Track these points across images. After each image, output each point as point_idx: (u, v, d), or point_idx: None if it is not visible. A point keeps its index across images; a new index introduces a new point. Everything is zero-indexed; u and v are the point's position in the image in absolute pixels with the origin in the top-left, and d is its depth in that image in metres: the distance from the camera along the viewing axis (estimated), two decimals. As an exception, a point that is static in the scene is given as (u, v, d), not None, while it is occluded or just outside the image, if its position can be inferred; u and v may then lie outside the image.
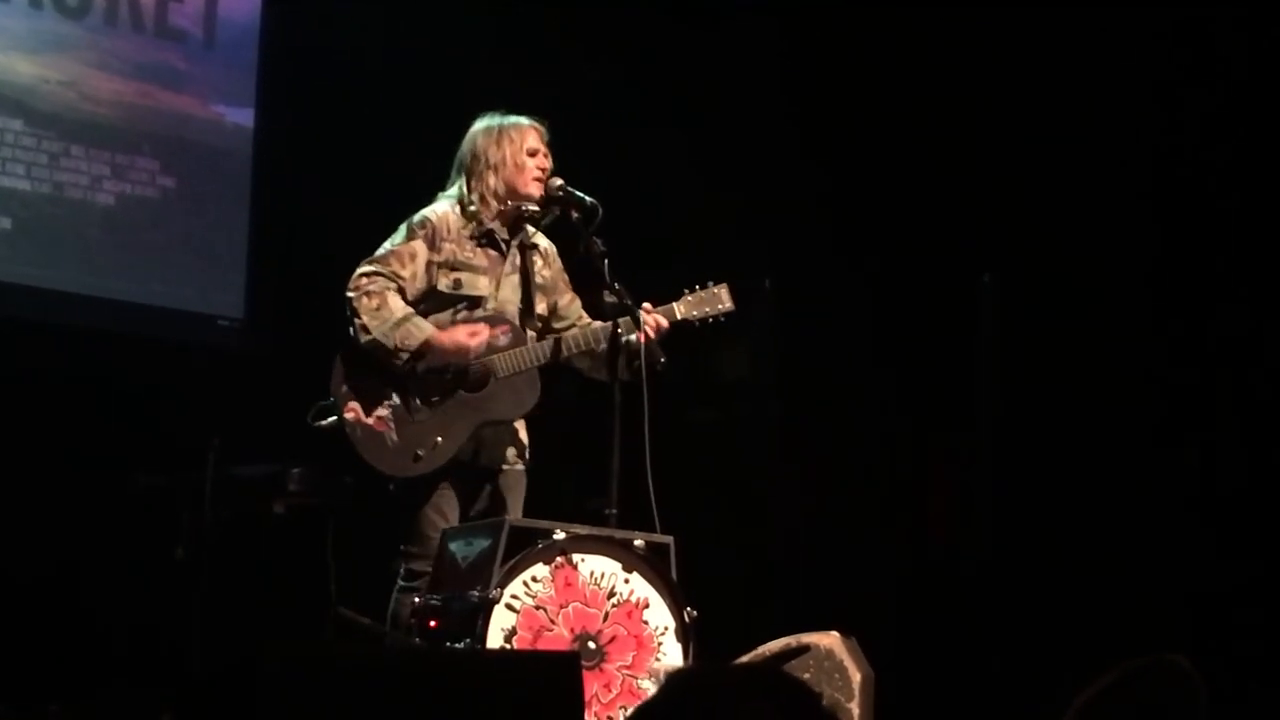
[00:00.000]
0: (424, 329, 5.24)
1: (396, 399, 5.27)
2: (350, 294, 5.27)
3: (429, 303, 5.37)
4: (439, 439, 5.23)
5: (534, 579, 4.74)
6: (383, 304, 5.23)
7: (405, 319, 5.23)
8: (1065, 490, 6.86)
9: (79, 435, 6.74)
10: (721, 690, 2.28)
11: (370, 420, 5.23)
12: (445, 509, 5.32)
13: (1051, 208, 7.01)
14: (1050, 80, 7.07)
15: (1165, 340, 6.77)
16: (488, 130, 5.45)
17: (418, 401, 5.27)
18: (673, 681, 2.35)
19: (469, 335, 5.27)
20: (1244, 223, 6.65)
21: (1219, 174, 6.71)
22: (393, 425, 5.25)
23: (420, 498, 5.31)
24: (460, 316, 5.35)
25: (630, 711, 2.50)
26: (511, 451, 5.45)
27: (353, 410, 5.23)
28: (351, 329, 5.26)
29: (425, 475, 5.27)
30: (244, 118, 7.55)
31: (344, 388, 5.26)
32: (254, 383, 7.03)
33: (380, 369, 5.27)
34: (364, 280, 5.28)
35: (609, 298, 5.23)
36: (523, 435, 5.50)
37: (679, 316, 5.39)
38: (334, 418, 5.25)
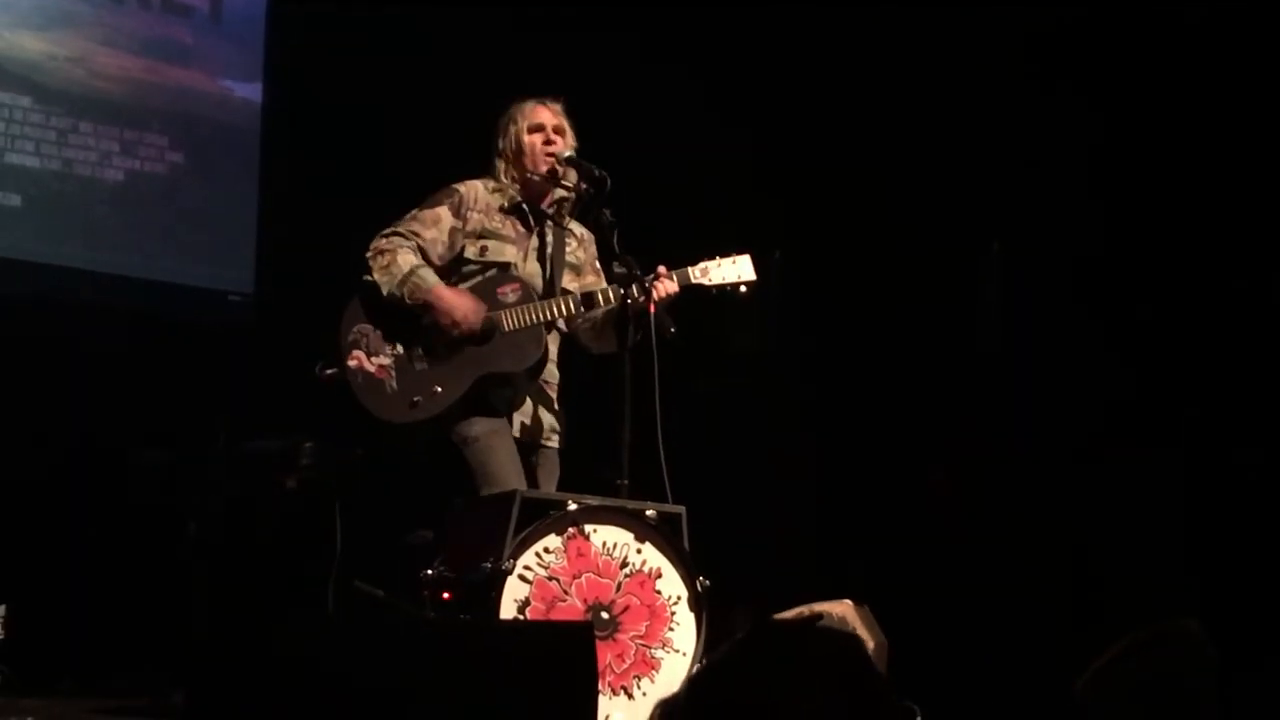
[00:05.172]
0: (429, 282, 5.30)
1: (400, 349, 5.33)
2: (367, 254, 5.36)
3: (458, 270, 5.43)
4: (438, 388, 5.28)
5: (546, 550, 4.73)
6: (391, 261, 5.32)
7: (411, 273, 5.30)
8: (1072, 457, 6.85)
9: (89, 412, 6.75)
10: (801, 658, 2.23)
11: (372, 368, 5.29)
12: (510, 448, 5.33)
13: (1060, 177, 6.99)
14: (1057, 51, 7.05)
15: (1174, 310, 6.75)
16: (503, 113, 5.56)
17: (420, 351, 5.32)
18: (751, 637, 2.29)
19: (468, 310, 5.28)
20: (1256, 192, 6.62)
21: (1228, 143, 6.69)
22: (394, 373, 5.31)
23: (482, 438, 5.31)
24: (487, 276, 5.39)
25: (705, 662, 2.42)
26: (548, 428, 5.48)
27: (356, 358, 5.29)
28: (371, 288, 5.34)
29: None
30: (252, 92, 7.55)
31: (349, 337, 5.32)
32: (264, 358, 7.03)
33: (386, 319, 5.33)
34: (381, 241, 5.38)
35: (618, 268, 5.24)
36: (558, 414, 5.52)
37: (692, 281, 5.40)
38: (337, 368, 5.29)
